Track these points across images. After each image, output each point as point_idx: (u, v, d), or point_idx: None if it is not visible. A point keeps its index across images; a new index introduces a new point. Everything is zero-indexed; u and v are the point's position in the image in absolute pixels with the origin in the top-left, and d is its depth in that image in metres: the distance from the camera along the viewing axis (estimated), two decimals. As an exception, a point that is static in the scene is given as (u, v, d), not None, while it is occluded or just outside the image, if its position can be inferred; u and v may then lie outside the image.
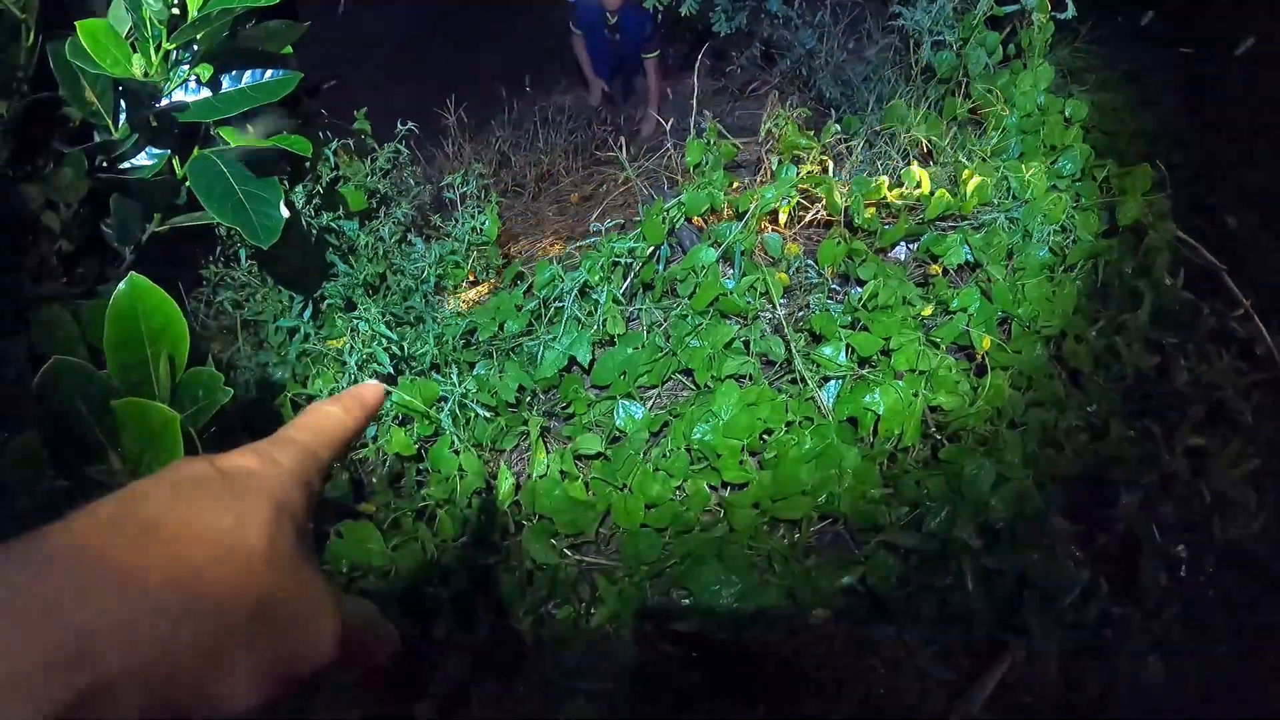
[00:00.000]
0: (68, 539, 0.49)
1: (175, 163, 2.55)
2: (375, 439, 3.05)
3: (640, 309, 3.40)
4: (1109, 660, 2.62)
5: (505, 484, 2.90)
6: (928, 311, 3.30)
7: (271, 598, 0.54)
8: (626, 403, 3.11)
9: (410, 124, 3.65)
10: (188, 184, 2.49)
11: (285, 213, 2.61)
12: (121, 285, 1.71)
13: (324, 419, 0.70)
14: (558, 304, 3.37)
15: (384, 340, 3.05)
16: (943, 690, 2.57)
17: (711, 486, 3.00)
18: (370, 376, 3.04)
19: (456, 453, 2.99)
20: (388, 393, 2.98)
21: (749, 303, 3.30)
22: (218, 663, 0.49)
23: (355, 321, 3.09)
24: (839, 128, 3.92)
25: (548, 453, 3.04)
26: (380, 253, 3.46)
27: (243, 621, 0.51)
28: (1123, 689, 2.58)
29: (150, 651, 0.46)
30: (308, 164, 3.24)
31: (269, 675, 0.52)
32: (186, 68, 2.36)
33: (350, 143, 3.63)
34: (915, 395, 2.99)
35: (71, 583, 0.46)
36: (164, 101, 2.39)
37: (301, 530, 0.60)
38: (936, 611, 2.67)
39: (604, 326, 3.32)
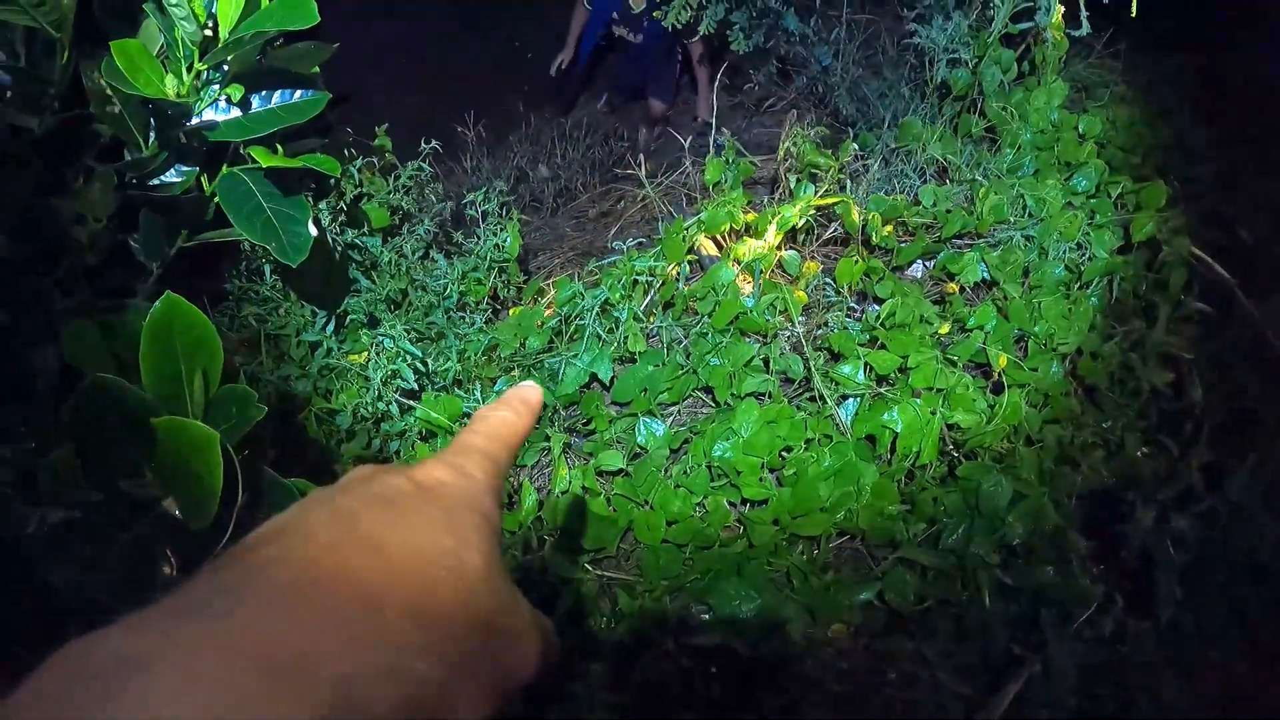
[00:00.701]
0: (291, 568, 0.47)
1: (204, 180, 2.58)
2: (398, 454, 3.08)
3: (660, 326, 3.42)
4: (1125, 675, 2.63)
5: (528, 500, 2.93)
6: (945, 329, 3.32)
7: (492, 617, 0.53)
8: (647, 420, 3.14)
9: (433, 141, 3.69)
10: (216, 201, 2.52)
11: (313, 231, 2.64)
12: (158, 303, 1.74)
13: (499, 424, 0.68)
14: (579, 321, 3.40)
15: (408, 356, 3.08)
16: (960, 705, 2.58)
17: (731, 503, 3.03)
18: (394, 392, 3.06)
19: (479, 468, 3.01)
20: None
21: (768, 320, 3.33)
22: (456, 691, 0.47)
23: (379, 338, 3.12)
24: (856, 146, 3.95)
25: (569, 469, 3.07)
26: (402, 269, 3.49)
27: (473, 645, 0.50)
28: (1139, 703, 2.59)
29: (408, 692, 0.44)
30: (333, 181, 3.28)
31: (492, 696, 0.50)
32: (217, 88, 2.40)
33: (374, 160, 3.67)
34: (933, 413, 3.01)
35: (313, 621, 0.44)
36: (194, 121, 2.42)
37: (501, 542, 0.59)
38: (954, 627, 2.69)
39: (625, 344, 3.35)
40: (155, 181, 2.58)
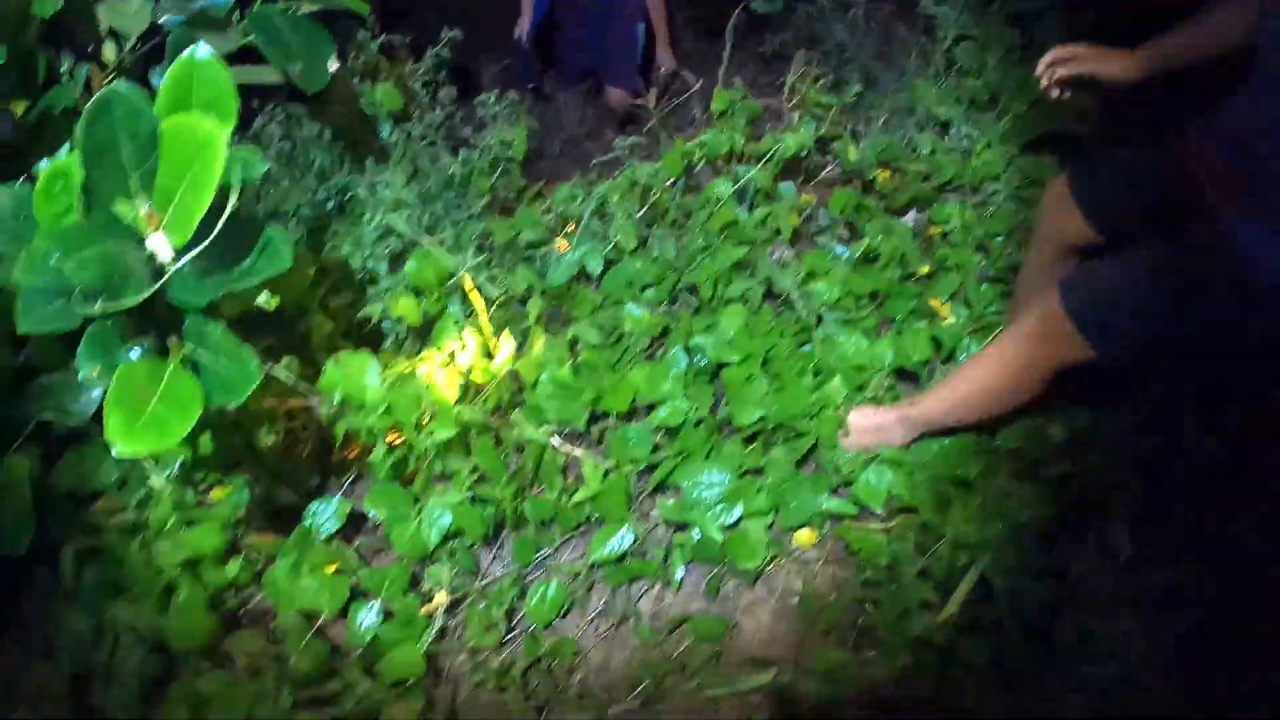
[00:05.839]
0: None
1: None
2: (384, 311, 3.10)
3: (654, 233, 3.51)
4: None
5: (504, 353, 2.93)
6: (925, 270, 3.40)
7: None
8: (631, 305, 3.20)
9: (455, 30, 3.75)
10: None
11: (334, 65, 2.75)
12: (184, 53, 1.82)
13: None
14: (574, 218, 3.47)
15: (405, 209, 3.12)
16: (923, 612, 2.57)
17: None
18: (387, 245, 3.11)
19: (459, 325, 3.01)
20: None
21: (759, 232, 3.42)
22: None
23: (375, 184, 3.17)
24: (859, 88, 4.06)
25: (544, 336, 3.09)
26: (407, 155, 3.55)
27: None
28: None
29: None
30: (358, 35, 3.39)
31: None
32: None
33: (394, 40, 3.75)
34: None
35: None
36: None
37: None
38: (921, 534, 2.71)
39: (617, 242, 3.42)
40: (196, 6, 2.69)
